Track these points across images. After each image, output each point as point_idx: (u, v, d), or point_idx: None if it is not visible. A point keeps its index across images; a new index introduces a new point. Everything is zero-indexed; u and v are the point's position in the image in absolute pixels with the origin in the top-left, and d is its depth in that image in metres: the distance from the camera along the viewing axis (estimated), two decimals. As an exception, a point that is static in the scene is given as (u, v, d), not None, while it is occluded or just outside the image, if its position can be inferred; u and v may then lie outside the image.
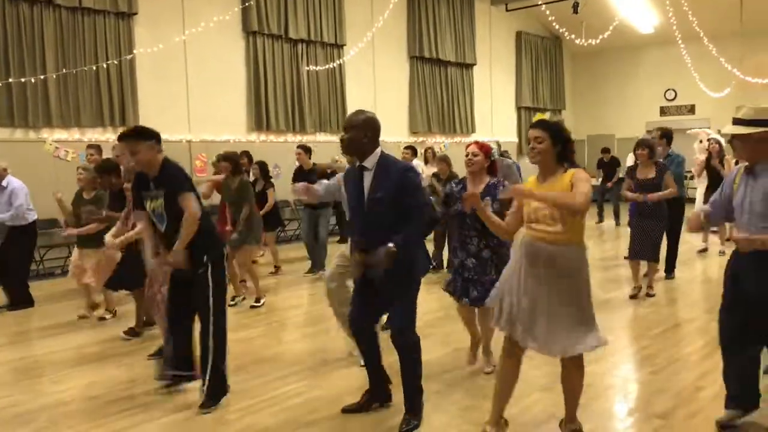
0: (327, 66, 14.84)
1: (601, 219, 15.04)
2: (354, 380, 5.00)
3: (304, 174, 9.15)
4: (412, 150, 10.88)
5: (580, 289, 3.62)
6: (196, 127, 12.65)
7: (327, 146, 13.70)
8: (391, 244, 3.84)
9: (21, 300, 8.11)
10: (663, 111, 20.95)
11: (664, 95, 20.89)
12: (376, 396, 4.44)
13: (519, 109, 20.66)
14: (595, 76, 22.13)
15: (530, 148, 3.66)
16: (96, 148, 8.44)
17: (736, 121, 3.72)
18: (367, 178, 4.04)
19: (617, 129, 21.07)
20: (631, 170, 7.68)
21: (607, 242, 12.57)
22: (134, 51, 11.75)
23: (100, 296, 7.54)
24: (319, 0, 14.66)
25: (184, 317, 4.68)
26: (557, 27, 19.26)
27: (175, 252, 4.43)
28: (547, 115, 3.77)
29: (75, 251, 7.37)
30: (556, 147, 3.63)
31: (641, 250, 7.57)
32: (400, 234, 3.88)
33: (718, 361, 4.14)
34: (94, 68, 11.24)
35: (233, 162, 7.76)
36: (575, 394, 3.82)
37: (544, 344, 3.60)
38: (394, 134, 16.42)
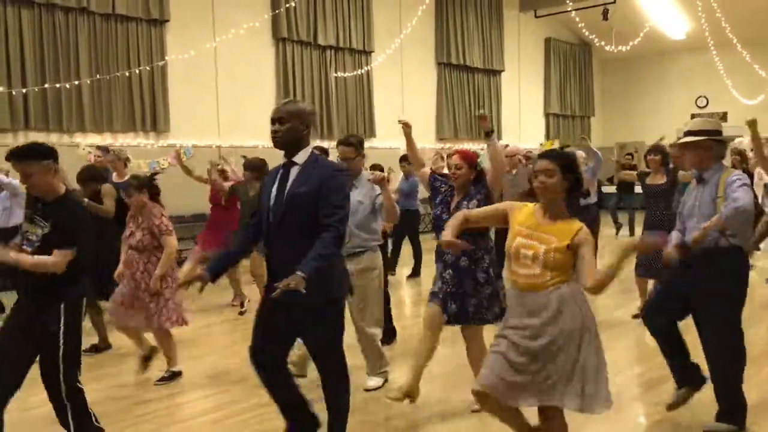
0: (355, 72, 14.92)
1: (618, 229, 14.35)
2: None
3: None
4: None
5: (573, 337, 3.12)
6: (226, 132, 12.78)
7: (354, 152, 13.73)
8: (300, 273, 3.14)
9: None
10: (694, 118, 20.67)
11: (696, 102, 20.62)
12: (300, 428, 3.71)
13: (547, 115, 20.55)
14: (624, 82, 21.92)
15: (538, 181, 3.20)
16: (104, 150, 8.15)
17: (687, 133, 4.12)
18: (293, 174, 3.47)
19: (647, 136, 20.75)
20: (642, 176, 7.32)
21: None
22: (166, 57, 11.92)
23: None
24: (348, 7, 14.76)
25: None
26: (587, 33, 19.12)
27: (22, 260, 3.54)
28: (556, 144, 3.41)
29: None
30: (566, 182, 3.19)
31: (650, 269, 6.57)
32: (312, 255, 3.23)
33: (751, 375, 4.06)
34: (127, 74, 11.43)
35: (258, 170, 7.69)
36: None
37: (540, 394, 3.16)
38: (421, 141, 16.34)
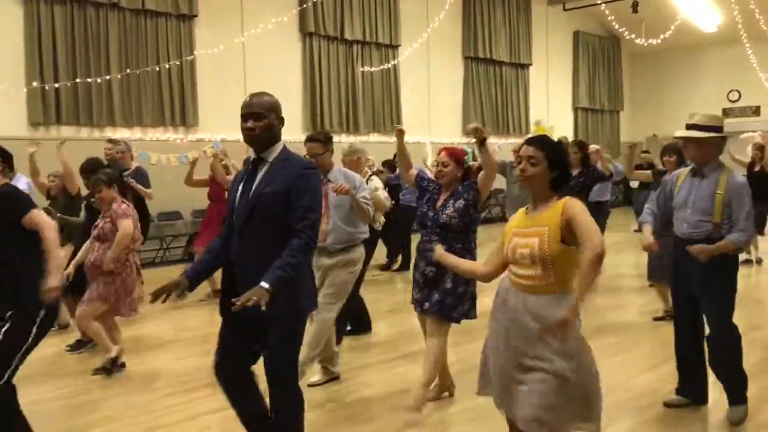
0: (381, 67, 14.90)
1: (640, 228, 13.93)
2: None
3: None
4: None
5: (568, 354, 2.81)
6: (253, 126, 12.83)
7: (380, 147, 13.73)
8: (264, 284, 2.87)
9: None
10: (726, 112, 20.33)
11: (727, 96, 20.28)
12: None
13: (576, 109, 20.35)
14: (654, 76, 21.62)
15: (519, 169, 2.97)
16: (115, 142, 8.04)
17: (691, 126, 4.16)
18: (261, 172, 3.17)
19: (677, 131, 20.52)
20: (658, 175, 7.12)
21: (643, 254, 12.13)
22: (195, 52, 12.01)
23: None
24: (375, 1, 14.74)
25: None
26: (616, 26, 18.89)
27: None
28: (549, 130, 3.10)
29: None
30: (552, 172, 2.94)
31: (663, 273, 6.05)
32: (278, 263, 2.95)
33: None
34: (156, 69, 11.53)
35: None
36: None
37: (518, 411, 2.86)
38: (448, 135, 16.36)
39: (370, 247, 5.64)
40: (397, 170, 11.18)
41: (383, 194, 5.83)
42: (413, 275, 4.48)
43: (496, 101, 17.73)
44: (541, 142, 2.99)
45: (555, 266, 2.83)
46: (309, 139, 4.98)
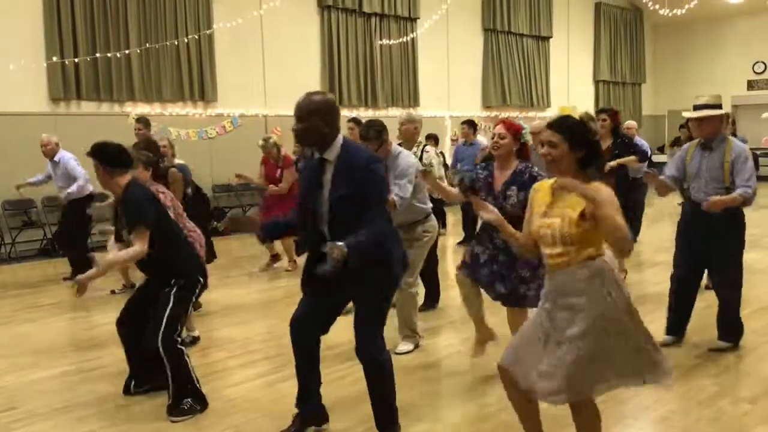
0: (400, 40, 14.76)
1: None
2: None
3: None
4: (470, 125, 10.20)
5: (593, 314, 2.85)
6: (272, 101, 12.80)
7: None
8: (341, 243, 3.17)
9: (82, 271, 8.23)
10: (751, 85, 19.97)
11: (753, 68, 19.89)
12: (309, 418, 3.73)
13: (597, 82, 20.08)
14: (677, 48, 21.23)
15: (542, 153, 2.99)
16: (144, 121, 8.18)
17: (702, 106, 4.74)
18: (328, 174, 3.40)
19: (689, 113, 20.19)
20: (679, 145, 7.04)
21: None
22: (213, 26, 11.95)
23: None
24: (394, -27, 14.56)
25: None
26: (639, -3, 18.54)
27: (105, 262, 4.08)
28: (573, 109, 3.15)
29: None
30: (577, 152, 2.93)
31: None
32: (358, 234, 3.24)
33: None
34: (175, 43, 11.50)
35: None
36: None
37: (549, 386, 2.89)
38: (468, 108, 16.22)
39: (439, 218, 5.75)
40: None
41: (438, 166, 5.86)
42: (473, 248, 4.50)
43: (517, 74, 17.52)
44: (559, 124, 2.96)
45: (575, 245, 2.88)
46: (362, 138, 5.02)
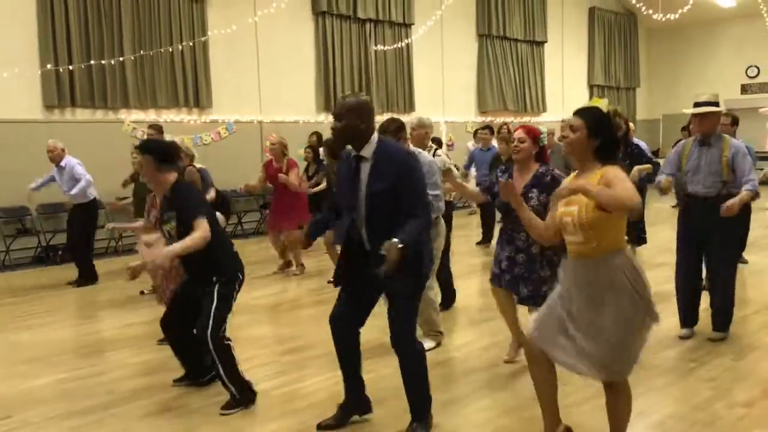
0: (395, 46, 14.78)
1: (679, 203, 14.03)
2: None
3: None
4: (490, 131, 10.30)
5: (621, 305, 3.05)
6: (267, 107, 12.80)
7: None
8: (396, 240, 3.33)
9: (86, 276, 8.35)
10: (744, 89, 20.03)
11: (746, 72, 19.95)
12: (353, 407, 3.93)
13: (591, 87, 20.12)
14: (671, 52, 21.29)
15: (562, 136, 3.29)
16: (156, 128, 8.34)
17: (702, 104, 5.03)
18: (365, 170, 3.57)
19: (690, 109, 20.25)
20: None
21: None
22: (207, 33, 11.96)
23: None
24: (388, -21, 14.58)
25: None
26: (633, 2, 18.58)
27: (167, 250, 4.12)
28: (604, 102, 3.27)
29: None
30: (594, 140, 3.10)
31: None
32: (405, 227, 3.41)
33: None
34: (170, 50, 11.50)
35: (331, 148, 7.74)
36: (619, 423, 3.32)
37: (589, 364, 3.13)
38: (463, 114, 16.26)
39: (447, 220, 5.83)
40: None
41: (451, 166, 5.87)
42: (497, 255, 4.67)
43: (512, 79, 17.56)
44: (583, 111, 3.17)
45: (594, 232, 3.02)
46: (382, 131, 5.05)
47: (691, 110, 5.12)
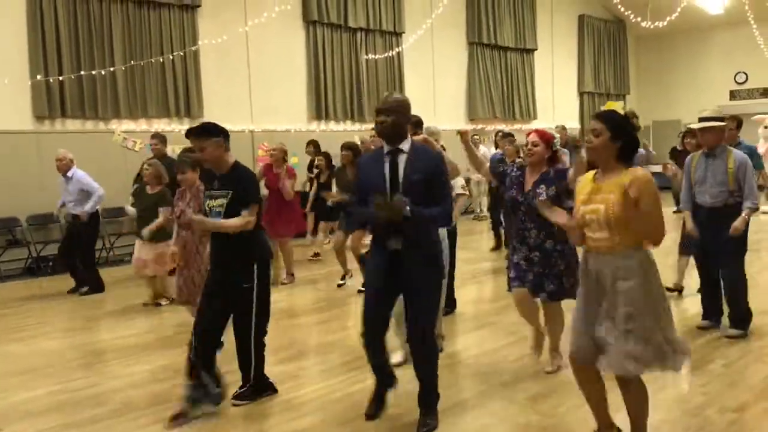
0: (386, 54, 14.83)
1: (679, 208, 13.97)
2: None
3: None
4: (510, 139, 10.27)
5: (641, 300, 3.19)
6: (258, 117, 12.80)
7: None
8: (406, 199, 3.68)
9: (92, 285, 8.37)
10: (733, 95, 20.18)
11: (734, 78, 20.11)
12: (387, 383, 4.18)
13: (581, 94, 20.23)
14: (660, 59, 21.45)
15: (586, 140, 3.33)
16: (160, 137, 8.51)
17: (707, 119, 5.33)
18: (402, 162, 3.86)
19: (684, 114, 20.36)
20: (676, 155, 7.36)
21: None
22: (198, 43, 11.96)
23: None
24: (378, -12, 14.65)
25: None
26: (621, 9, 18.71)
27: (203, 221, 4.31)
28: (619, 105, 3.37)
29: (137, 244, 7.48)
30: (616, 142, 3.22)
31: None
32: (426, 208, 3.77)
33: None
34: (160, 60, 11.50)
35: (355, 151, 7.77)
36: (637, 420, 3.42)
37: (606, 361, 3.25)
38: (454, 122, 16.28)
39: (451, 236, 5.86)
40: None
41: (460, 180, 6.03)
42: (511, 258, 4.79)
43: (502, 87, 17.64)
44: (604, 115, 3.30)
45: (620, 229, 3.17)
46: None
47: (695, 125, 5.47)
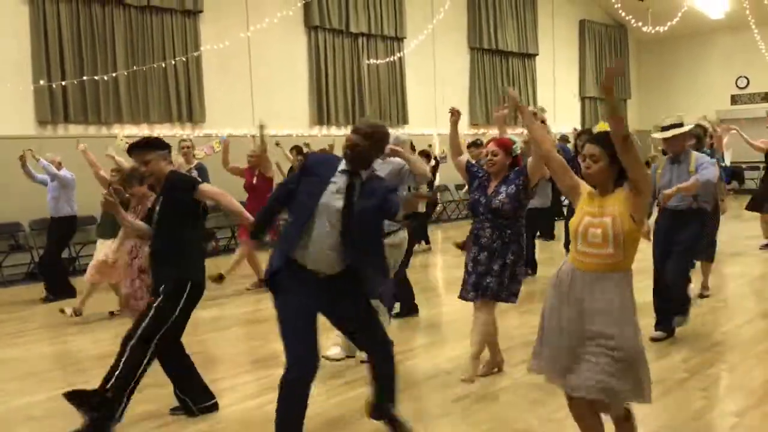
0: (387, 59, 14.86)
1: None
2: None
3: None
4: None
5: (619, 324, 3.05)
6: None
7: (388, 139, 13.70)
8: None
9: (62, 290, 8.30)
10: (734, 99, 20.19)
11: (736, 83, 20.13)
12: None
13: (583, 99, 20.25)
14: (661, 64, 21.46)
15: (584, 166, 3.14)
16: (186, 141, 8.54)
17: (670, 127, 5.48)
18: (357, 187, 3.65)
19: (685, 118, 20.34)
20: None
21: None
22: (200, 48, 12.00)
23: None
24: (380, -7, 14.69)
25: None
26: (622, 14, 18.76)
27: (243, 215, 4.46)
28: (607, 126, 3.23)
29: (97, 247, 7.33)
30: (615, 166, 3.08)
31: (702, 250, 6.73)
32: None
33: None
34: (163, 65, 11.54)
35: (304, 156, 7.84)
36: None
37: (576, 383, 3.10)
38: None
39: (418, 231, 5.86)
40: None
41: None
42: (466, 260, 4.78)
43: (503, 92, 17.66)
44: (602, 139, 3.12)
45: (625, 245, 3.03)
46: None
47: (658, 135, 5.62)
